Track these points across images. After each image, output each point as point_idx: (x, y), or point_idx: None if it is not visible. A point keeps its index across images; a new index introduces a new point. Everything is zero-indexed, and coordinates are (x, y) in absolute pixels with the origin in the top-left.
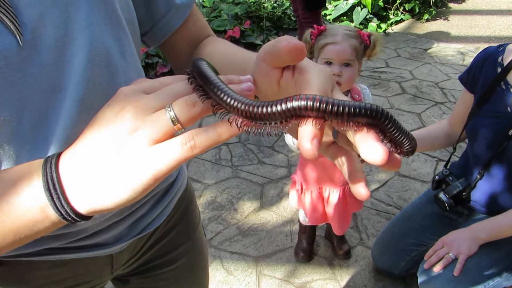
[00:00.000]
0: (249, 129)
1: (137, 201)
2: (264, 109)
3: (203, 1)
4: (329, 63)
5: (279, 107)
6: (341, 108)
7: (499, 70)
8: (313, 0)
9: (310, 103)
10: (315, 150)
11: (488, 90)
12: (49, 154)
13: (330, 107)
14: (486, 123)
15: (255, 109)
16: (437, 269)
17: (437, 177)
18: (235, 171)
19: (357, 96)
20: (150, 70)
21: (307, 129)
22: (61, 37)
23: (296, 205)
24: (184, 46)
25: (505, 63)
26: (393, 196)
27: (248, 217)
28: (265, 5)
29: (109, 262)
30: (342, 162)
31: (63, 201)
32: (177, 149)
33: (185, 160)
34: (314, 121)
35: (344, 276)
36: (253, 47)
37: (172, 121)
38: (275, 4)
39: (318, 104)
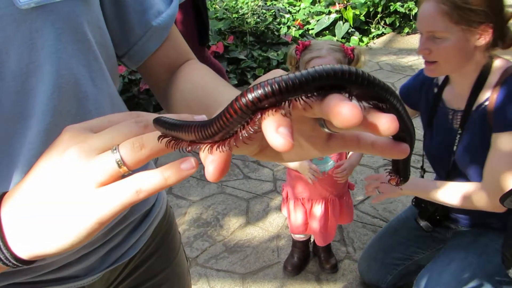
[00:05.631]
0: (212, 149)
1: (110, 230)
2: (218, 119)
3: None
4: None
5: (233, 106)
6: (286, 83)
7: (435, 90)
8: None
9: (261, 90)
10: (287, 138)
11: (432, 109)
12: (11, 187)
13: (277, 85)
14: (437, 141)
15: (211, 123)
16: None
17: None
18: (221, 186)
19: None
20: (133, 86)
21: (269, 120)
22: (26, 64)
23: (285, 213)
24: (162, 70)
25: (439, 82)
26: (379, 208)
27: (234, 233)
28: (248, 20)
29: None
30: (363, 144)
31: (2, 247)
32: (122, 194)
33: (131, 204)
34: (272, 110)
35: None
36: (237, 62)
37: (118, 164)
38: (258, 20)
39: (269, 88)
